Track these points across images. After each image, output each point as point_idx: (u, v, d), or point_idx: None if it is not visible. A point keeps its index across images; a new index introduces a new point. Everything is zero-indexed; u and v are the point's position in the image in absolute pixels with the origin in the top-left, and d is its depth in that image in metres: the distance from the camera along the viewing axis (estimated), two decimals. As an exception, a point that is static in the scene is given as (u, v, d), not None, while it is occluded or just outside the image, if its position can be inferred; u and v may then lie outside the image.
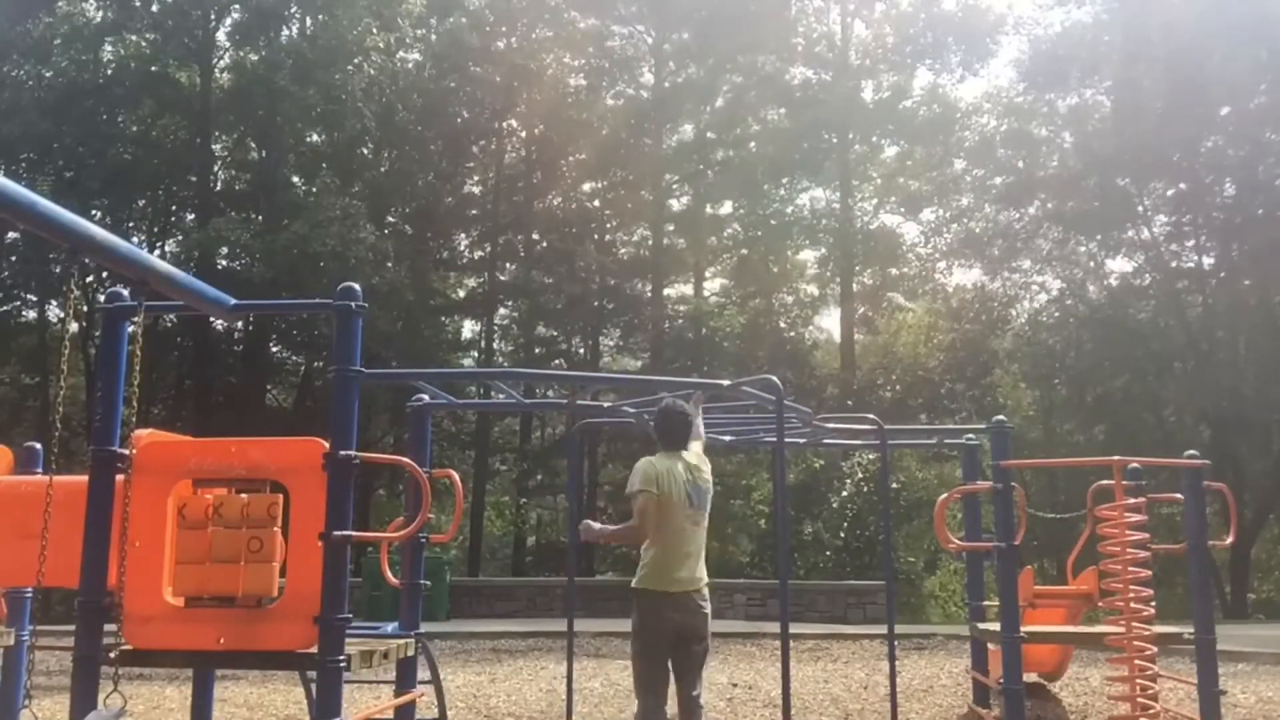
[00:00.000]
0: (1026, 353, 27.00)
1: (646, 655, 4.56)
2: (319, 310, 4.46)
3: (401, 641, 4.81)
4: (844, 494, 20.58)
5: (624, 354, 30.83)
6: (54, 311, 25.18)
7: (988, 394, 26.43)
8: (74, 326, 21.89)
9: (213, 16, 24.84)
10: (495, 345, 28.89)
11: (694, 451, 4.72)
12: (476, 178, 28.76)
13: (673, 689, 4.63)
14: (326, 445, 3.72)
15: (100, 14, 25.24)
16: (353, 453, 3.71)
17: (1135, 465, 5.87)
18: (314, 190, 23.95)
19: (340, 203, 21.75)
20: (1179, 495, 6.14)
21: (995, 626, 5.74)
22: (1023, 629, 5.50)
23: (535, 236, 27.06)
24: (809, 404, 9.79)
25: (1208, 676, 5.55)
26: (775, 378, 5.70)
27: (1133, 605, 5.20)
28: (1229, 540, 6.89)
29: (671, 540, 4.47)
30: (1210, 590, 6.25)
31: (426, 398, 5.78)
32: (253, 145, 26.88)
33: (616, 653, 10.75)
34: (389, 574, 5.87)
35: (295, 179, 26.08)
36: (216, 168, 26.76)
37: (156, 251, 24.18)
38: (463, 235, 28.88)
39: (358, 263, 20.52)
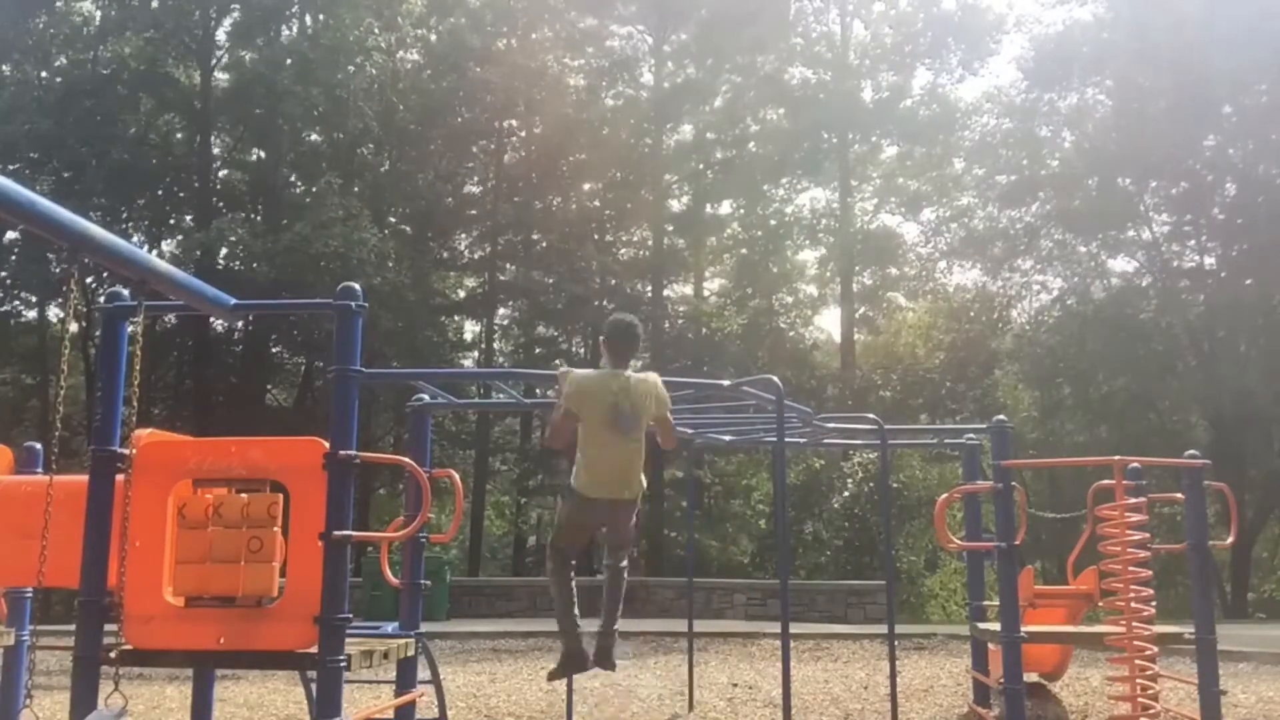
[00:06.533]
0: (1027, 353, 26.99)
1: (559, 540, 4.96)
2: (319, 310, 4.46)
3: (401, 641, 4.80)
4: (844, 494, 20.59)
5: (624, 354, 30.78)
6: (54, 311, 25.21)
7: (988, 394, 26.43)
8: (74, 326, 21.89)
9: (213, 16, 24.84)
10: (495, 345, 28.90)
11: (640, 374, 4.72)
12: (476, 178, 28.76)
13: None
14: (326, 445, 3.71)
15: (100, 14, 25.26)
16: (353, 453, 3.70)
17: (1136, 465, 5.87)
18: (314, 190, 23.97)
19: (343, 203, 21.75)
20: (1180, 495, 6.14)
21: (995, 626, 5.74)
22: (1023, 629, 5.50)
23: (535, 236, 27.06)
24: (809, 404, 9.80)
25: (1208, 676, 5.54)
26: (775, 378, 5.70)
27: (1133, 605, 5.19)
28: (1229, 540, 6.88)
29: (592, 453, 4.57)
30: (1211, 590, 6.24)
31: (426, 397, 5.78)
32: (253, 145, 26.88)
33: (616, 652, 10.73)
34: (389, 574, 5.86)
35: (295, 179, 26.09)
36: (216, 168, 26.76)
37: (156, 251, 24.19)
38: (463, 235, 28.88)
39: (360, 263, 20.53)
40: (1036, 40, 26.83)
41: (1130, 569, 5.23)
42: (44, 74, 24.07)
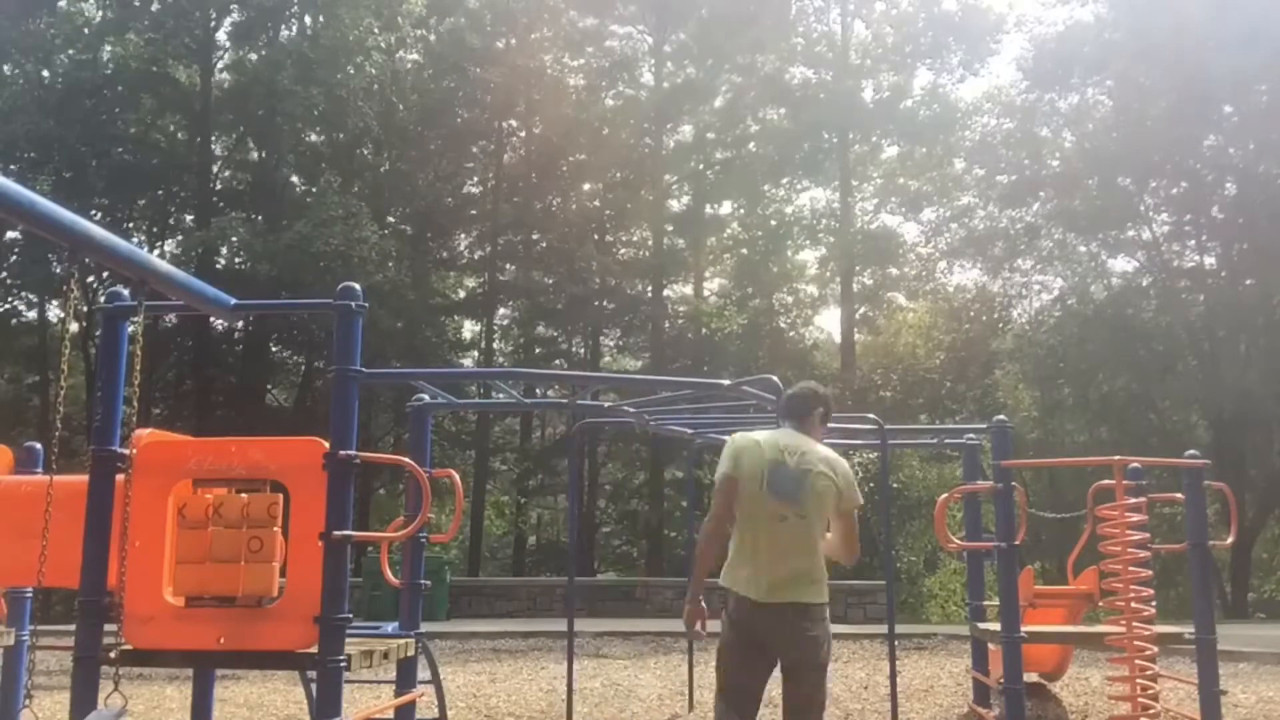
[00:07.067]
0: (1027, 353, 27.01)
1: (724, 657, 3.81)
2: (319, 310, 4.46)
3: (401, 641, 4.80)
4: (844, 494, 20.58)
5: (624, 354, 30.85)
6: (54, 311, 25.21)
7: (988, 394, 26.45)
8: (74, 326, 21.89)
9: (213, 16, 24.85)
10: (495, 345, 28.90)
11: (812, 444, 3.96)
12: (476, 178, 28.76)
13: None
14: (326, 445, 3.71)
15: (100, 13, 25.27)
16: (353, 453, 3.70)
17: (1136, 465, 5.87)
18: (314, 190, 23.97)
19: (343, 202, 21.76)
20: (1180, 495, 6.14)
21: (995, 626, 5.74)
22: (1023, 629, 5.50)
23: (535, 236, 27.06)
24: (809, 404, 9.78)
25: (1208, 676, 5.54)
26: (775, 378, 5.70)
27: (1133, 605, 5.19)
28: (1229, 540, 6.88)
29: (745, 530, 3.75)
30: (1211, 590, 6.24)
31: (427, 397, 5.79)
32: (253, 145, 26.89)
33: (617, 652, 10.75)
34: (389, 574, 5.86)
35: (295, 179, 26.10)
36: (216, 168, 26.77)
37: (156, 251, 24.20)
38: (463, 235, 28.89)
39: (360, 261, 20.53)
40: (1037, 40, 26.84)
41: (1130, 569, 5.23)
42: (45, 74, 24.06)
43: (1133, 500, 5.37)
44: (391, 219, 25.97)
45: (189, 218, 26.06)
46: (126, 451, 3.82)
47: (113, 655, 3.67)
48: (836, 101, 26.41)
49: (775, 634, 3.68)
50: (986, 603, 6.81)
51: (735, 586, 3.74)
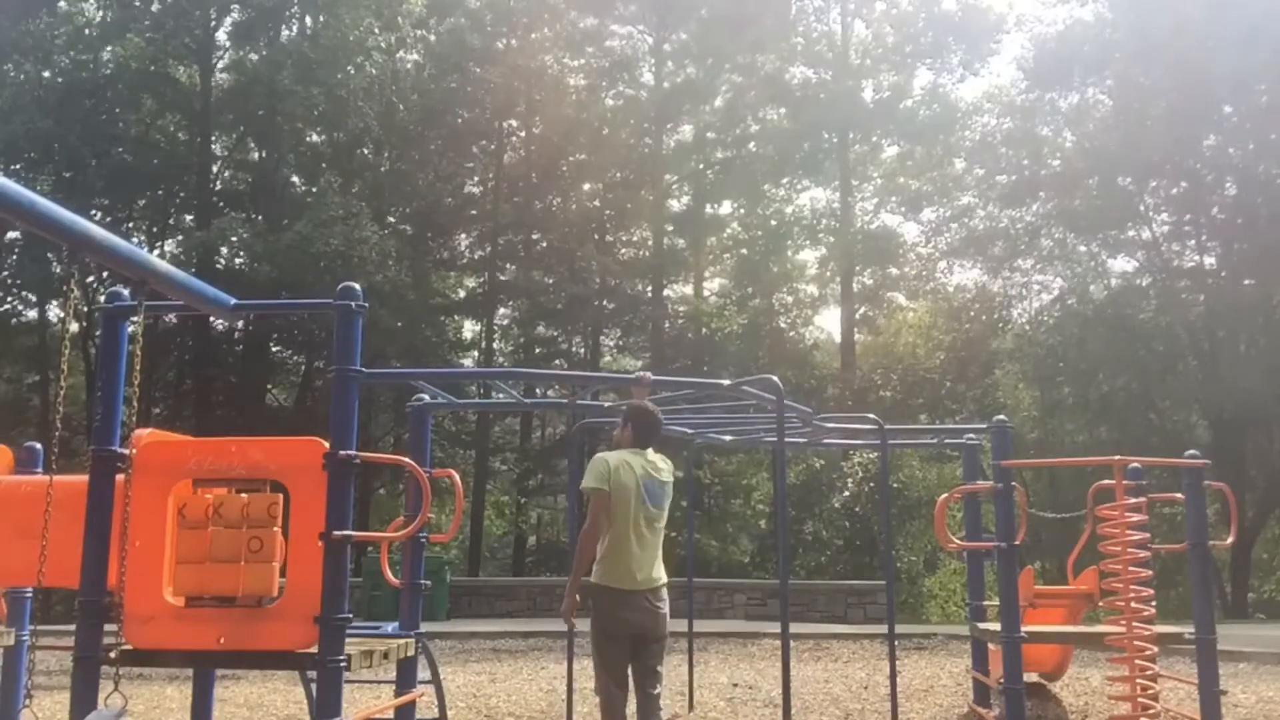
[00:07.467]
0: (1027, 353, 27.02)
1: (605, 651, 4.48)
2: (319, 310, 4.46)
3: (401, 641, 4.80)
4: (844, 494, 20.60)
5: (624, 354, 30.83)
6: (54, 311, 25.21)
7: (988, 394, 26.44)
8: (74, 326, 21.89)
9: (213, 16, 24.85)
10: (495, 345, 28.90)
11: (656, 456, 4.70)
12: (476, 178, 28.76)
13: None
14: (326, 445, 3.71)
15: (101, 14, 25.27)
16: (353, 453, 3.70)
17: (1136, 465, 5.87)
18: (314, 190, 23.96)
19: (343, 202, 21.75)
20: (1180, 495, 6.14)
21: (995, 626, 5.74)
22: (1023, 629, 5.50)
23: (535, 236, 27.06)
24: (809, 404, 9.79)
25: (1208, 676, 5.54)
26: (775, 378, 5.70)
27: (1133, 605, 5.20)
28: (1229, 540, 6.88)
29: (622, 535, 4.40)
30: (1211, 590, 6.24)
31: (427, 397, 5.79)
32: (253, 145, 26.88)
33: None
34: (389, 574, 5.86)
35: (296, 179, 26.09)
36: (216, 168, 26.76)
37: (156, 251, 24.19)
38: (463, 235, 28.89)
39: (360, 261, 20.53)
40: (1037, 40, 26.84)
41: (1130, 569, 5.23)
42: (45, 74, 24.07)
43: (1133, 500, 5.37)
44: (391, 219, 25.97)
45: (189, 218, 26.06)
46: (126, 451, 3.82)
47: (113, 655, 3.67)
48: (836, 101, 26.42)
49: (645, 615, 4.45)
50: (986, 603, 6.81)
51: (617, 582, 4.40)
